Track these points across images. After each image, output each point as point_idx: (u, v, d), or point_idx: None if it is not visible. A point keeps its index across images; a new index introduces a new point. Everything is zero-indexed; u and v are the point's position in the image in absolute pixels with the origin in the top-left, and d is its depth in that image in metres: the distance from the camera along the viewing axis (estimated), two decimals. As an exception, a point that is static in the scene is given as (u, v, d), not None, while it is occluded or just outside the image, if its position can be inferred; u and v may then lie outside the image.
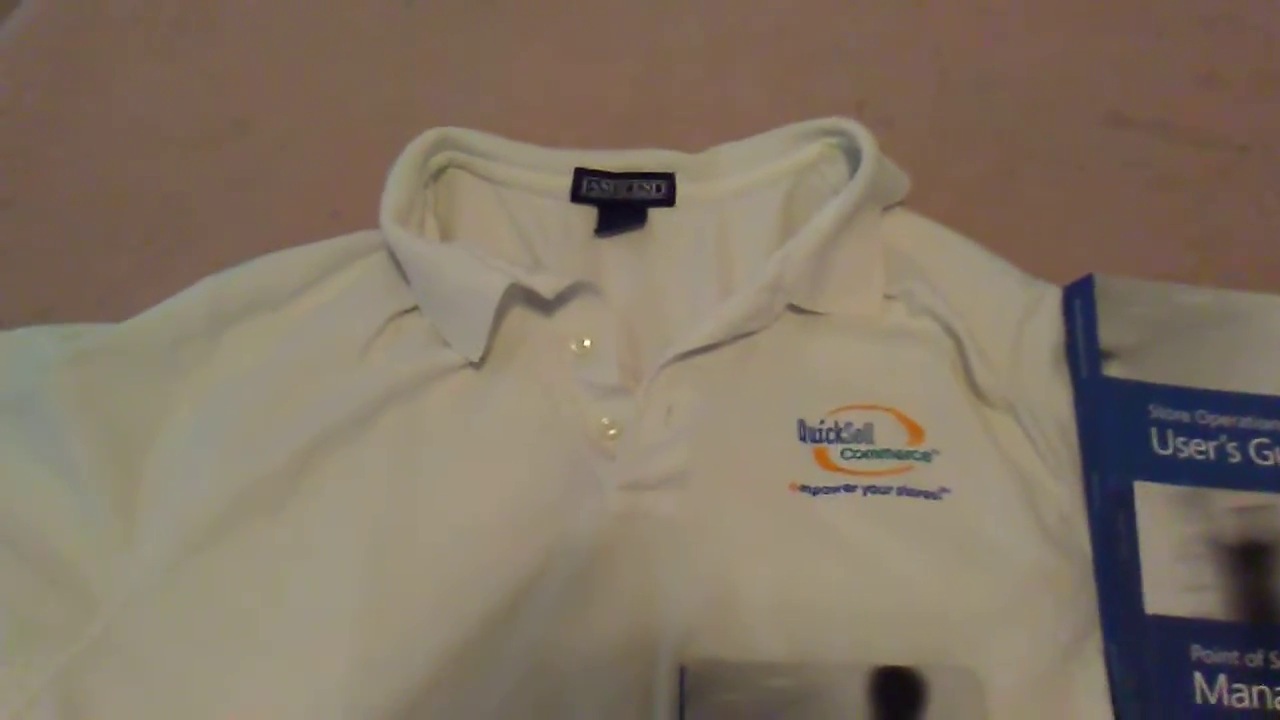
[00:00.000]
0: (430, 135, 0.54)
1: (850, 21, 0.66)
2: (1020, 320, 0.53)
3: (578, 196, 0.56)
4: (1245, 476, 0.48)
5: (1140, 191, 0.60)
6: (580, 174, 0.56)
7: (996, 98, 0.63)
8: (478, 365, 0.51)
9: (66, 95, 0.65)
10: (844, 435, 0.50)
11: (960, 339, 0.51)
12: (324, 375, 0.51)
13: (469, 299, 0.50)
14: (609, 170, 0.57)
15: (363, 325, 0.52)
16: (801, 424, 0.50)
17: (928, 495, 0.49)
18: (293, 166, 0.62)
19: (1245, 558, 0.46)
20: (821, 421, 0.50)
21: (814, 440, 0.50)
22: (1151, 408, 0.49)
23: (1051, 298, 0.54)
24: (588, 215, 0.56)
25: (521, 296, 0.51)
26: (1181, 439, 0.49)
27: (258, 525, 0.48)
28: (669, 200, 0.56)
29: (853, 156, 0.54)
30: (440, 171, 0.56)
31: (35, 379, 0.50)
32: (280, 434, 0.49)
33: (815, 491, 0.49)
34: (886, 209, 0.56)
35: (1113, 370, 0.50)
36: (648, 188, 0.56)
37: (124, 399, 0.50)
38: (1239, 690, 0.44)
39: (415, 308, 0.52)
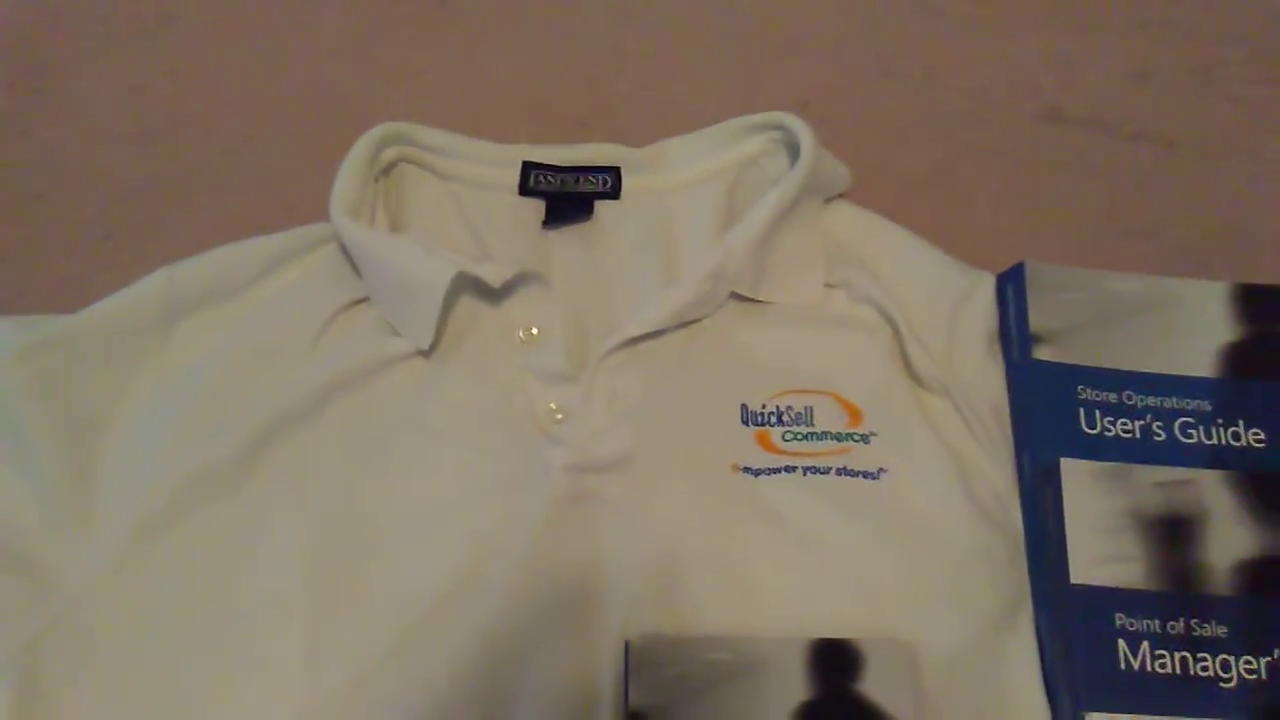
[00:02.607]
0: (380, 130, 0.55)
1: (796, 22, 0.67)
2: (955, 307, 0.54)
3: (526, 190, 0.57)
4: (1169, 454, 0.50)
5: (1073, 183, 0.61)
6: (528, 167, 0.57)
7: (936, 95, 0.65)
8: (427, 354, 0.52)
9: (23, 93, 0.65)
10: (785, 418, 0.51)
11: (898, 326, 0.53)
12: (276, 363, 0.51)
13: (418, 288, 0.50)
14: (556, 164, 0.58)
15: (314, 315, 0.53)
16: (744, 408, 0.52)
17: (866, 475, 0.50)
18: (248, 162, 0.62)
19: (1167, 530, 0.48)
20: (763, 405, 0.52)
21: (756, 423, 0.51)
22: (1080, 388, 0.51)
23: (986, 285, 0.55)
24: (536, 208, 0.57)
25: (470, 286, 0.52)
26: (1109, 418, 0.50)
27: (212, 509, 0.49)
28: (614, 193, 0.57)
29: (793, 150, 0.55)
30: (391, 166, 0.57)
31: (-11, 369, 0.50)
32: (233, 420, 0.50)
33: (757, 473, 0.50)
34: (828, 201, 0.57)
35: (1043, 353, 0.51)
36: (594, 181, 0.57)
37: (79, 387, 0.50)
38: (1161, 657, 0.46)
39: (366, 298, 0.53)
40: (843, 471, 0.50)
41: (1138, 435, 0.50)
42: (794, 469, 0.50)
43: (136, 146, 0.63)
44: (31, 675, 0.46)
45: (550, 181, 0.57)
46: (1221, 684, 0.45)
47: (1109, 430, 0.50)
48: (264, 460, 0.50)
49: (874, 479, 0.50)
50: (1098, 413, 0.50)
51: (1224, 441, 0.50)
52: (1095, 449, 0.49)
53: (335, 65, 0.66)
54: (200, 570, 0.48)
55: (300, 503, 0.49)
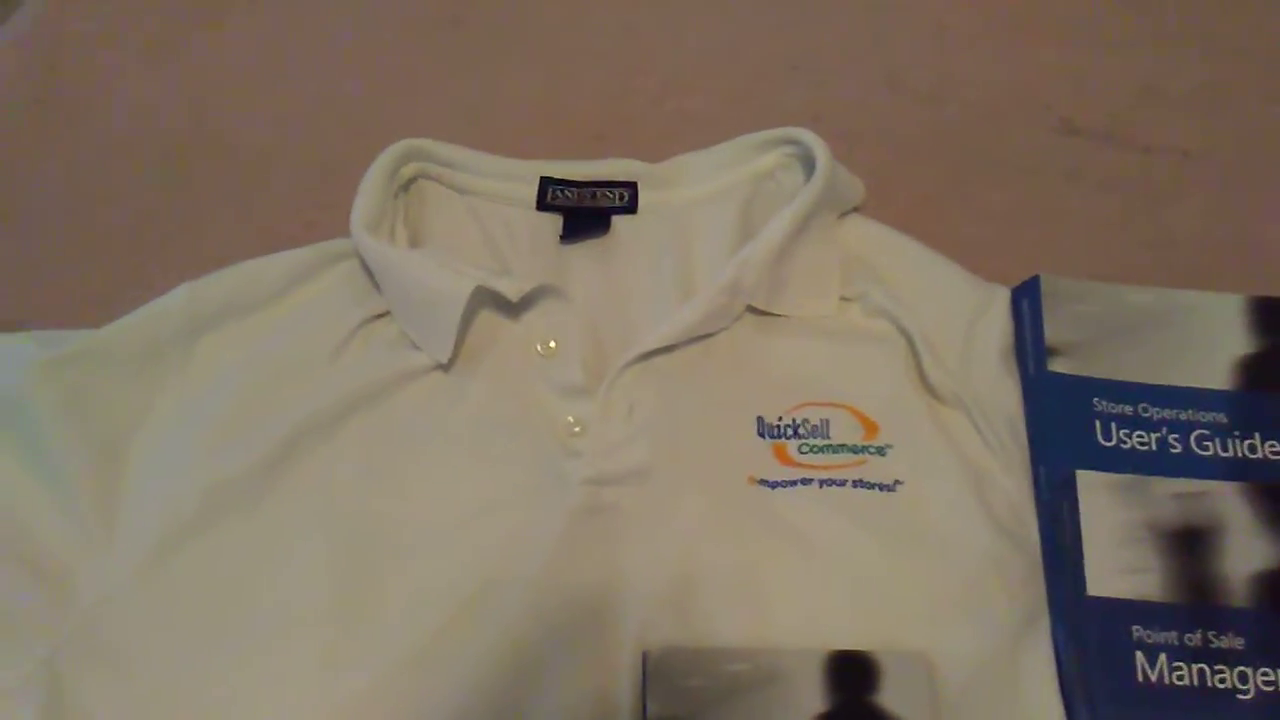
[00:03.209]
0: (400, 146, 0.56)
1: (808, 37, 0.68)
2: (971, 320, 0.55)
3: (543, 205, 0.58)
4: (1186, 466, 0.50)
5: (1087, 196, 0.62)
6: (545, 183, 0.58)
7: (948, 108, 0.65)
8: (446, 367, 0.52)
9: (47, 110, 0.66)
10: (801, 431, 0.52)
11: (913, 339, 0.53)
12: (297, 378, 0.52)
13: (437, 302, 0.51)
14: (573, 179, 0.58)
15: (335, 330, 0.53)
16: (760, 421, 0.52)
17: (882, 487, 0.50)
18: (269, 178, 0.63)
19: (1183, 542, 0.48)
20: (780, 418, 0.52)
21: (772, 436, 0.52)
22: (1095, 401, 0.51)
23: (1001, 298, 0.55)
24: (553, 223, 0.58)
25: (488, 300, 0.53)
26: (1124, 430, 0.50)
27: (233, 522, 0.49)
28: (631, 208, 0.58)
29: (808, 164, 0.56)
30: (410, 182, 0.58)
31: (16, 383, 0.51)
32: (254, 434, 0.50)
33: (774, 485, 0.50)
34: (843, 215, 0.58)
35: (1058, 366, 0.52)
36: (611, 196, 0.58)
37: (104, 401, 0.51)
38: (1179, 668, 0.46)
39: (386, 313, 0.54)
40: (859, 484, 0.50)
41: (1154, 447, 0.50)
42: (810, 481, 0.51)
43: (159, 163, 0.64)
44: (56, 685, 0.46)
45: (568, 196, 0.58)
46: (1239, 696, 0.45)
47: (1125, 442, 0.50)
48: (285, 473, 0.50)
49: (890, 491, 0.50)
50: (1114, 425, 0.50)
51: (1240, 453, 0.50)
52: (1111, 461, 0.50)
53: (354, 83, 0.67)
54: (221, 582, 0.48)
55: (321, 515, 0.50)
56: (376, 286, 0.54)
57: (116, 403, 0.51)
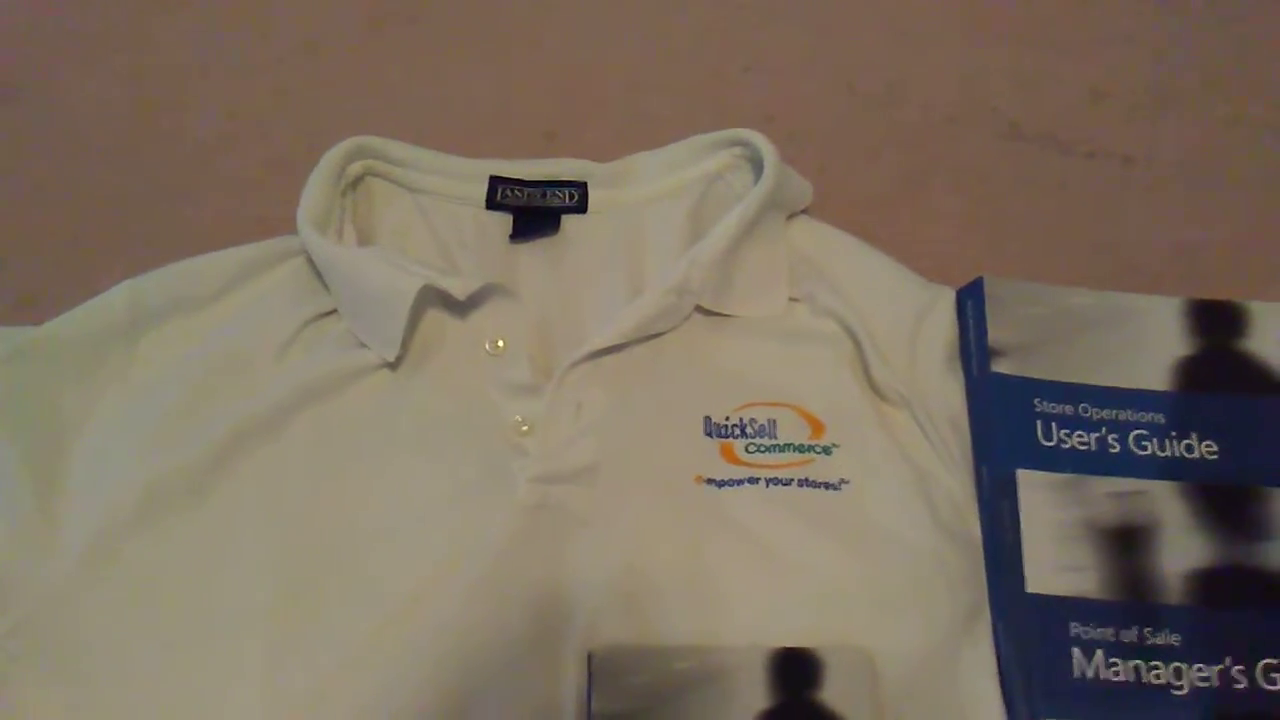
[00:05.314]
0: (347, 143, 0.56)
1: (762, 38, 0.68)
2: (916, 321, 0.55)
3: (493, 204, 0.58)
4: (1124, 465, 0.50)
5: (1033, 201, 0.63)
6: (495, 182, 0.58)
7: (898, 111, 0.66)
8: (394, 366, 0.52)
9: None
10: (748, 431, 0.52)
11: (859, 339, 0.54)
12: (242, 375, 0.52)
13: (385, 301, 0.51)
14: (523, 178, 0.58)
15: (281, 327, 0.53)
16: (708, 420, 0.52)
17: (828, 486, 0.51)
18: (217, 173, 0.63)
19: (1121, 540, 0.49)
20: (727, 418, 0.52)
21: (719, 435, 0.52)
22: (1037, 401, 0.52)
23: (945, 299, 0.56)
24: (503, 222, 0.58)
25: (436, 298, 0.53)
26: (1065, 430, 0.51)
27: (175, 519, 0.49)
28: (581, 207, 0.58)
29: (757, 166, 0.56)
30: (359, 179, 0.57)
31: (-46, 381, 0.50)
32: (198, 431, 0.50)
33: (720, 484, 0.51)
34: (791, 216, 0.58)
35: (1001, 367, 0.52)
36: (560, 195, 0.58)
37: (45, 399, 0.51)
38: (1115, 664, 0.46)
39: (333, 311, 0.54)
40: (805, 483, 0.51)
41: (1093, 447, 0.51)
42: (757, 480, 0.51)
43: (104, 157, 0.63)
44: None
45: (517, 196, 0.58)
46: (1174, 692, 0.46)
47: (1065, 442, 0.51)
48: (230, 470, 0.50)
49: (835, 490, 0.51)
50: (1054, 425, 0.51)
51: (1177, 453, 0.51)
52: (1051, 460, 0.50)
53: (304, 78, 0.66)
54: (164, 580, 0.48)
55: (265, 513, 0.49)
56: (324, 284, 0.54)
57: (57, 401, 0.51)
